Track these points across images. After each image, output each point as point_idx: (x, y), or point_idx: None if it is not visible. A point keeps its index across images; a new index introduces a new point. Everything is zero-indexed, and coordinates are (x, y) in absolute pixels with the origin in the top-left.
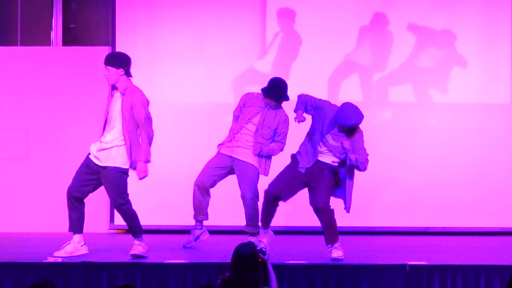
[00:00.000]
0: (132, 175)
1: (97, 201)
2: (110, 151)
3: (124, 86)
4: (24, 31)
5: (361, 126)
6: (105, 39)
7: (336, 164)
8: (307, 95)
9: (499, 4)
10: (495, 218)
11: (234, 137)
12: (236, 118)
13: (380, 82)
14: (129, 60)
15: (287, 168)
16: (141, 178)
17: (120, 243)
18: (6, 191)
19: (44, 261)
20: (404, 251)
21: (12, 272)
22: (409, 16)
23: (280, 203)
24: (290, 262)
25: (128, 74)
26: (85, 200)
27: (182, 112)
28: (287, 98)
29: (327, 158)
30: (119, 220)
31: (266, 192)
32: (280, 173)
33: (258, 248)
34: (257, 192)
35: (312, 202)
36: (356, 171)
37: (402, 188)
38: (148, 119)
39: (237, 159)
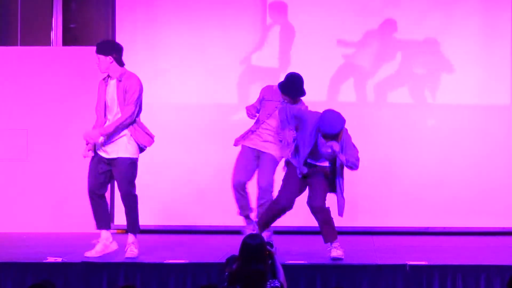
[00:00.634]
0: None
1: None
2: (118, 142)
3: (118, 72)
4: (24, 31)
5: (360, 126)
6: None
7: (328, 165)
8: (282, 107)
9: (499, 4)
10: (495, 218)
11: (255, 132)
12: (257, 111)
13: (380, 82)
14: (118, 47)
15: (287, 176)
16: (85, 139)
17: (120, 243)
18: (6, 191)
19: (44, 261)
20: (404, 251)
21: (12, 272)
22: (409, 16)
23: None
24: (290, 262)
25: (119, 61)
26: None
27: (182, 112)
28: (303, 94)
29: (319, 163)
30: (119, 220)
31: (274, 203)
32: (282, 184)
33: (266, 241)
34: (273, 182)
35: (308, 202)
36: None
37: (402, 188)
38: (137, 106)
39: (262, 151)
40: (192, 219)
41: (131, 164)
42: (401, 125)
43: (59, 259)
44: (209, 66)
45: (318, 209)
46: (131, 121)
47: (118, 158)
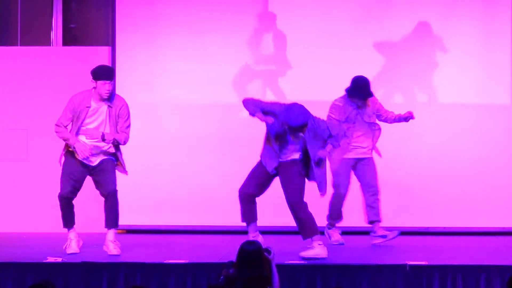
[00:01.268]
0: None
1: (97, 201)
2: (102, 151)
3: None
4: (24, 31)
5: None
6: (105, 39)
7: (299, 157)
8: (251, 98)
9: (499, 4)
10: (495, 218)
11: (352, 140)
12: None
13: (379, 82)
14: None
15: (256, 166)
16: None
17: (120, 243)
18: (6, 191)
19: (44, 261)
20: (404, 251)
21: (12, 272)
22: (408, 16)
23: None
24: (290, 262)
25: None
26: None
27: (183, 111)
28: (371, 94)
29: (291, 155)
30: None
31: (240, 192)
32: (249, 172)
33: (263, 247)
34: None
35: (286, 199)
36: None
37: (402, 188)
38: (129, 126)
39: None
40: (192, 219)
41: (114, 162)
42: (401, 124)
43: (59, 259)
44: (209, 66)
45: (295, 205)
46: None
47: (102, 160)
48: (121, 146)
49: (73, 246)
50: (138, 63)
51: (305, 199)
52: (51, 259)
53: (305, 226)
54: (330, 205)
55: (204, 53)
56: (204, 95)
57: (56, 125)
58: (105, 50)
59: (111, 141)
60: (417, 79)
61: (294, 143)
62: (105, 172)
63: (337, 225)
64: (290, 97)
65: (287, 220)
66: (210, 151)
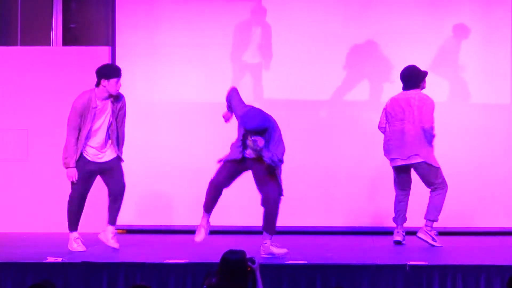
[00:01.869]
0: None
1: (97, 201)
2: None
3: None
4: (24, 31)
5: (360, 126)
6: (105, 39)
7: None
8: (231, 91)
9: (499, 3)
10: (495, 218)
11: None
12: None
13: (379, 82)
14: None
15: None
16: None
17: (120, 243)
18: (6, 191)
19: (44, 261)
20: (404, 251)
21: (12, 272)
22: (408, 15)
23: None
24: (290, 262)
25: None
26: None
27: (183, 111)
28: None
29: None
30: (119, 220)
31: (211, 181)
32: (221, 164)
33: (247, 257)
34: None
35: (260, 191)
36: None
37: None
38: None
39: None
40: (192, 219)
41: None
42: None
43: (59, 259)
44: (209, 65)
45: (270, 199)
46: None
47: (111, 159)
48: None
49: (81, 244)
50: (138, 63)
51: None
52: (51, 259)
53: (273, 222)
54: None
55: (204, 53)
56: (204, 94)
57: (65, 147)
58: (105, 50)
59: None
60: None
61: (247, 145)
62: (114, 171)
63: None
64: (290, 96)
65: (288, 220)
66: (210, 151)
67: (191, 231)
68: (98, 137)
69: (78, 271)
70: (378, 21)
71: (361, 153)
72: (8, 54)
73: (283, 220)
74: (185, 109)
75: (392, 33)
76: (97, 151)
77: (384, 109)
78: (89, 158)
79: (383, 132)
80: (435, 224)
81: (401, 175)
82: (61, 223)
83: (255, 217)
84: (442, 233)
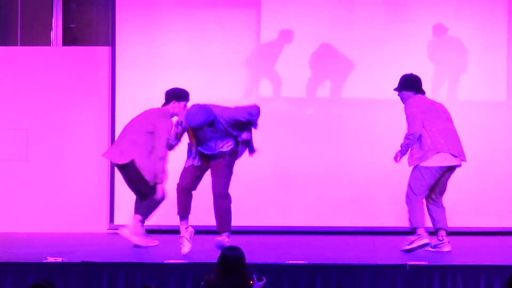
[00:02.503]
0: None
1: (97, 201)
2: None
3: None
4: (24, 31)
5: (360, 125)
6: (105, 39)
7: (227, 150)
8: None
9: (496, 2)
10: (495, 218)
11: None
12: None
13: (378, 81)
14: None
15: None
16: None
17: (120, 243)
18: (6, 191)
19: (44, 261)
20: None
21: (12, 272)
22: (407, 15)
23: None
24: (290, 262)
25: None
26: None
27: None
28: (402, 87)
29: (219, 148)
30: (119, 220)
31: (178, 186)
32: (184, 167)
33: (255, 275)
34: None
35: (212, 189)
36: None
37: (402, 188)
38: None
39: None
40: (192, 219)
41: None
42: (400, 124)
43: (59, 259)
44: (209, 64)
45: (219, 196)
46: None
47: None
48: None
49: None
50: (138, 63)
51: None
52: (51, 259)
53: (224, 219)
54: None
55: (204, 53)
56: (204, 94)
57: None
58: (105, 50)
59: None
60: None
61: (214, 137)
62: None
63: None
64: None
65: (288, 220)
66: None
67: None
68: None
69: (78, 271)
70: (378, 20)
71: (361, 153)
72: (8, 54)
73: (284, 220)
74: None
75: (391, 32)
76: None
77: (415, 112)
78: None
79: (416, 139)
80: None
81: (445, 176)
82: (61, 223)
83: (254, 217)
84: None
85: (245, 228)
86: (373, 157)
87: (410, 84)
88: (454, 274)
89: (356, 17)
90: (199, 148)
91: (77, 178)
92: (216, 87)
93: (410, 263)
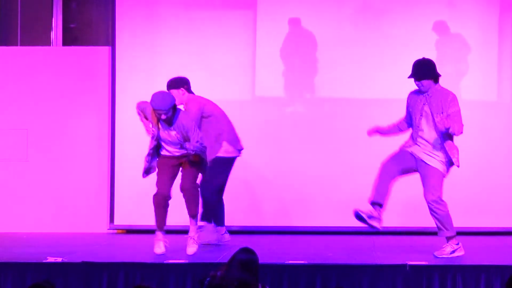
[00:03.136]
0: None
1: (97, 201)
2: None
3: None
4: (24, 31)
5: (362, 126)
6: (105, 39)
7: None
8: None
9: (498, 1)
10: (495, 218)
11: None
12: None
13: (378, 81)
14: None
15: (159, 164)
16: None
17: (120, 243)
18: (6, 191)
19: (44, 261)
20: (404, 251)
21: (12, 272)
22: (407, 14)
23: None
24: (290, 262)
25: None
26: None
27: None
28: (422, 75)
29: (178, 151)
30: (119, 220)
31: (154, 196)
32: (157, 172)
33: (260, 284)
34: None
35: (182, 180)
36: None
37: (402, 188)
38: None
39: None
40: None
41: None
42: None
43: (59, 259)
44: (209, 65)
45: (187, 190)
46: None
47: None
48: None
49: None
50: (138, 63)
51: None
52: (51, 259)
53: (196, 205)
54: None
55: (205, 53)
56: (204, 94)
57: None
58: (105, 50)
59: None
60: None
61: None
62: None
63: None
64: (284, 94)
65: (288, 220)
66: None
67: None
68: None
69: (78, 271)
70: (377, 20)
71: (361, 153)
72: (8, 54)
73: (284, 220)
74: None
75: (391, 32)
76: None
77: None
78: None
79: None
80: (434, 224)
81: None
82: (61, 223)
83: (255, 218)
84: None
85: (245, 228)
86: (373, 157)
87: (430, 72)
88: (454, 274)
89: (354, 17)
90: None
91: (77, 178)
92: (217, 87)
93: (410, 263)
